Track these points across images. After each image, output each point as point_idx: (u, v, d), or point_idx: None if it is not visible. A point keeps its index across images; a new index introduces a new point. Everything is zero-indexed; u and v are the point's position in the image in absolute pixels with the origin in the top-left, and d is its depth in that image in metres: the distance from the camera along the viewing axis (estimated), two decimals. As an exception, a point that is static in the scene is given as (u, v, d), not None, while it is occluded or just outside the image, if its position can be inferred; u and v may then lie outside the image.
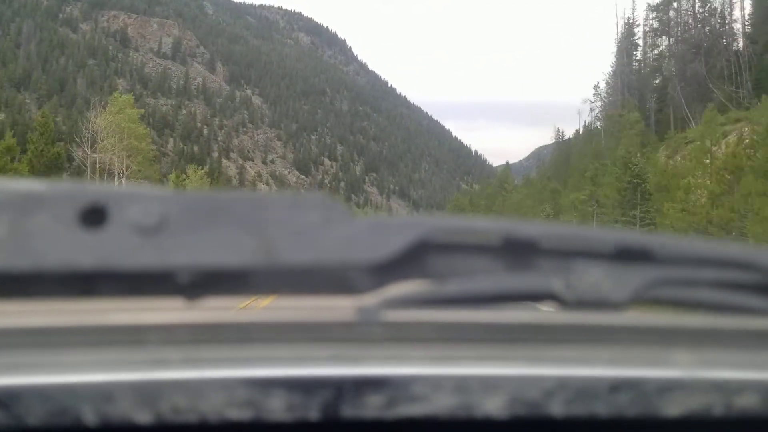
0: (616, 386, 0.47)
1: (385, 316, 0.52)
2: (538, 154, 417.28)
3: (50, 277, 0.45)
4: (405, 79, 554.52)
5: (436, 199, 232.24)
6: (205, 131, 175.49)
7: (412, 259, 0.49)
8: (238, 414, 0.44)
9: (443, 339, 0.51)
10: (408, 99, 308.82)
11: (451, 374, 0.46)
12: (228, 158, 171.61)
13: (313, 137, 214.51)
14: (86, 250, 0.44)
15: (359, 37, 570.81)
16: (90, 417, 0.43)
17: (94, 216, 0.45)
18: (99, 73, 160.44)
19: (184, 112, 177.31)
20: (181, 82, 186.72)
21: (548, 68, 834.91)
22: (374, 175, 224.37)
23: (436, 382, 0.46)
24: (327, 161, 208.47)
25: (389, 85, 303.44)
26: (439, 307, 0.52)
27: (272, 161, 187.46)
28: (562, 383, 0.46)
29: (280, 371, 0.46)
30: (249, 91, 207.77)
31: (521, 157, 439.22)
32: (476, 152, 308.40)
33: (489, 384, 0.46)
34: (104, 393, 0.43)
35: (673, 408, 0.47)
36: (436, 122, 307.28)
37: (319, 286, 0.49)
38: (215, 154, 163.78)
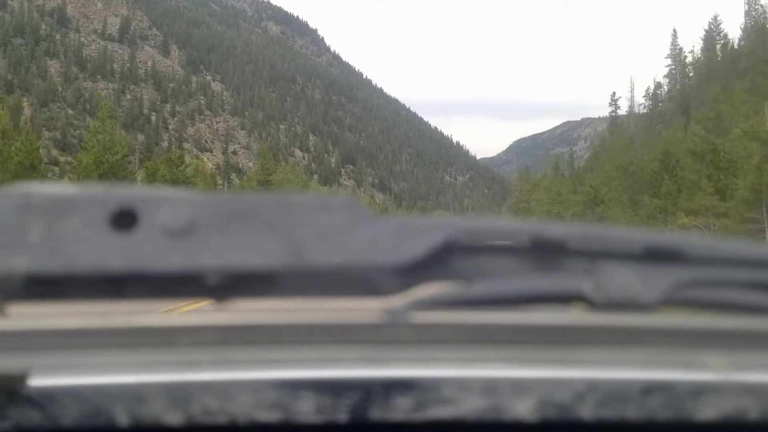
0: (648, 389, 0.45)
1: (413, 317, 0.50)
2: (516, 147, 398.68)
3: (82, 279, 0.45)
4: (380, 73, 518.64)
5: (420, 191, 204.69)
6: (153, 118, 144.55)
7: (439, 261, 0.48)
8: (267, 416, 0.43)
9: (471, 341, 0.49)
10: (384, 91, 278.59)
11: (479, 376, 0.45)
12: (181, 148, 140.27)
13: (281, 126, 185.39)
14: (117, 253, 0.44)
15: (332, 27, 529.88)
16: (122, 418, 0.43)
17: (124, 219, 0.45)
18: (26, 54, 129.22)
19: (128, 97, 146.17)
20: (127, 65, 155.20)
21: (522, 65, 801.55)
22: (351, 167, 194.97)
23: (464, 384, 0.44)
24: (298, 152, 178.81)
25: (364, 77, 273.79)
26: (466, 309, 0.51)
27: (234, 152, 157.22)
28: (593, 386, 0.45)
29: (308, 373, 0.45)
30: (209, 77, 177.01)
31: (500, 151, 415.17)
32: (458, 143, 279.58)
33: (518, 386, 0.44)
34: (136, 394, 0.43)
35: (707, 412, 0.44)
36: (415, 114, 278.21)
37: (347, 288, 0.49)
38: (164, 144, 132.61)
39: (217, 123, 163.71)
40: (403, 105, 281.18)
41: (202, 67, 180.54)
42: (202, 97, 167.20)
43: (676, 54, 62.31)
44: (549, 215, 39.04)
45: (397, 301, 0.50)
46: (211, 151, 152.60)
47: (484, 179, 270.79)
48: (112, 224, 0.45)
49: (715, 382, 0.45)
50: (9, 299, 0.47)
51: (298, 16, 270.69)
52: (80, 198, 0.46)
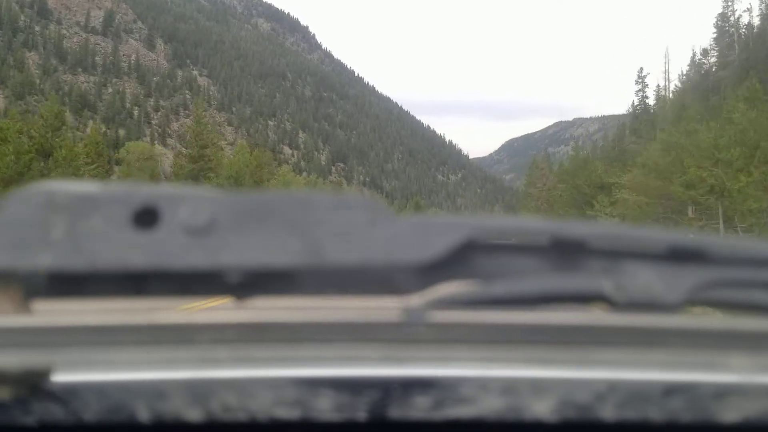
0: (670, 390, 0.44)
1: (432, 316, 0.50)
2: (507, 147, 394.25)
3: (104, 276, 0.45)
4: (372, 71, 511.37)
5: (411, 190, 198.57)
6: (136, 113, 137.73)
7: (458, 260, 0.48)
8: (286, 413, 0.43)
9: (490, 340, 0.49)
10: (376, 89, 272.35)
11: (499, 376, 0.44)
12: (164, 144, 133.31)
13: (270, 123, 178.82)
14: (139, 251, 0.44)
15: (323, 24, 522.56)
16: (144, 414, 0.43)
17: (146, 217, 0.45)
18: (2, 45, 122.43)
19: (110, 90, 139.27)
20: (110, 58, 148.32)
21: (514, 65, 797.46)
22: (342, 164, 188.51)
23: (483, 383, 0.44)
24: (287, 149, 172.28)
25: (356, 74, 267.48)
26: (486, 308, 0.50)
27: (221, 148, 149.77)
28: (614, 386, 0.44)
29: (327, 371, 0.45)
30: (196, 72, 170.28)
31: (491, 150, 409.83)
32: (450, 142, 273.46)
33: (538, 386, 0.44)
34: (157, 390, 0.43)
35: (730, 414, 0.43)
36: (407, 113, 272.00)
37: (366, 287, 0.49)
38: (146, 139, 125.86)
39: (203, 119, 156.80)
40: (396, 103, 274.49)
41: (188, 61, 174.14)
42: (187, 92, 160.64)
43: (726, 16, 55.02)
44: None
45: (416, 300, 0.50)
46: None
47: (477, 178, 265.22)
48: (134, 222, 0.45)
49: (738, 383, 0.45)
50: (33, 296, 0.47)
51: (289, 13, 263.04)
52: (103, 196, 0.46)
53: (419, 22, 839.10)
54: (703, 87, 50.55)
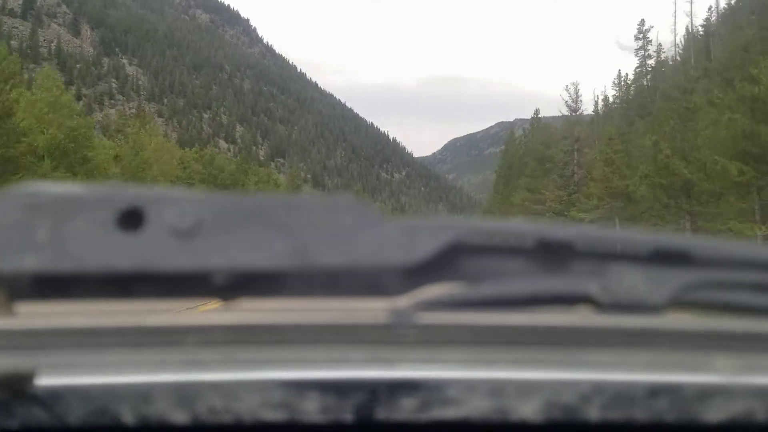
0: (655, 391, 0.44)
1: (419, 318, 0.50)
2: (451, 147, 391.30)
3: (89, 278, 0.44)
4: (314, 68, 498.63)
5: (354, 188, 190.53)
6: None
7: (445, 262, 0.47)
8: (272, 415, 0.43)
9: (477, 342, 0.49)
10: (319, 86, 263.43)
11: (485, 378, 0.44)
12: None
13: (205, 115, 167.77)
14: (124, 253, 0.43)
15: (265, 18, 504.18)
16: (128, 417, 0.42)
17: (131, 219, 0.44)
18: None
19: (26, 77, 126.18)
20: (26, 42, 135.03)
21: (457, 65, 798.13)
22: (281, 160, 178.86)
23: (470, 385, 0.44)
24: (223, 143, 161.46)
25: (299, 70, 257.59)
26: (473, 310, 0.50)
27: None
28: (599, 387, 0.44)
29: (314, 373, 0.45)
30: (125, 60, 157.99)
31: (435, 150, 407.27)
32: (395, 140, 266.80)
33: (524, 388, 0.44)
34: (142, 393, 0.43)
35: (714, 414, 0.44)
36: (351, 110, 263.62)
37: (353, 289, 0.48)
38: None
39: (130, 108, 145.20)
40: (339, 100, 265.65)
41: (117, 49, 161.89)
42: (113, 80, 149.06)
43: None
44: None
45: (403, 301, 0.50)
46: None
47: (421, 177, 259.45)
48: (120, 224, 0.44)
49: (722, 384, 0.45)
50: (17, 298, 0.46)
51: (229, 5, 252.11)
52: (87, 197, 0.45)
53: (364, 20, 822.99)
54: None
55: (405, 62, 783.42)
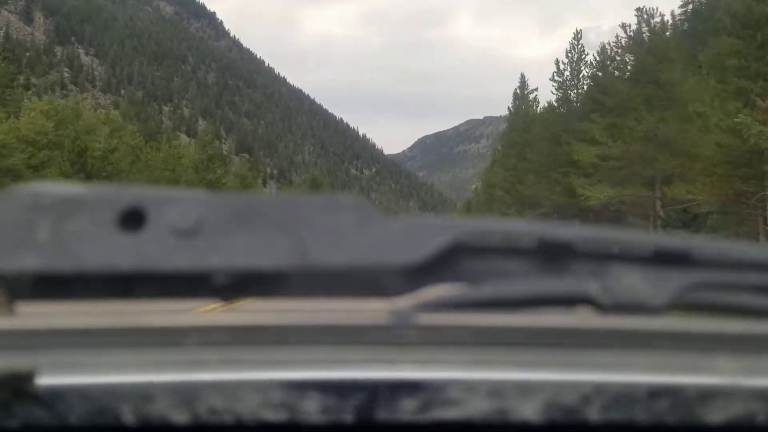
0: (655, 392, 0.44)
1: (420, 319, 0.50)
2: (420, 144, 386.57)
3: (90, 278, 0.44)
4: (283, 64, 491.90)
5: (324, 184, 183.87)
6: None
7: (446, 262, 0.47)
8: (273, 416, 0.42)
9: (478, 342, 0.49)
10: (288, 80, 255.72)
11: (486, 378, 0.44)
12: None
13: (165, 108, 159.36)
14: (125, 253, 0.43)
15: (231, 11, 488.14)
16: (129, 417, 0.42)
17: (132, 219, 0.44)
18: None
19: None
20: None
21: (427, 62, 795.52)
22: (247, 155, 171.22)
23: (470, 386, 0.43)
24: (184, 137, 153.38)
25: (267, 65, 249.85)
26: (473, 311, 0.50)
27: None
28: (599, 388, 0.44)
29: (315, 374, 0.44)
30: (81, 50, 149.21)
31: (405, 147, 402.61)
32: (365, 135, 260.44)
33: (524, 388, 0.43)
34: (143, 393, 0.43)
35: (715, 415, 0.44)
36: (320, 105, 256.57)
37: (353, 289, 0.48)
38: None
39: (83, 99, 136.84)
40: (307, 95, 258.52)
41: (73, 38, 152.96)
42: (66, 70, 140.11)
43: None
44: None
45: (404, 302, 0.50)
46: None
47: (392, 174, 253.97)
48: (121, 224, 0.44)
49: (723, 386, 0.45)
50: (18, 298, 0.46)
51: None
52: (88, 197, 0.45)
53: (332, 17, 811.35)
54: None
55: (377, 60, 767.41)
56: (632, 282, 0.49)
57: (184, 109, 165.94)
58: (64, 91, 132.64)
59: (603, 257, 0.50)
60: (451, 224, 0.49)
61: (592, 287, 0.49)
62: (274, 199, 0.47)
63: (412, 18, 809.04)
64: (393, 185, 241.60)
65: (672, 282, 0.49)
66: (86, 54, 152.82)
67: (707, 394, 0.44)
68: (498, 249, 0.50)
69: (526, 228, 0.51)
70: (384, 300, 0.49)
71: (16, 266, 0.43)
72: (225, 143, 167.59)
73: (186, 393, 0.43)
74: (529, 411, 0.43)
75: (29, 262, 0.43)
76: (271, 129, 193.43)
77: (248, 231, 0.45)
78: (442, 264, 0.47)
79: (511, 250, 0.50)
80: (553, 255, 0.50)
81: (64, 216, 0.44)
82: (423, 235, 0.46)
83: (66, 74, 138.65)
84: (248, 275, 0.45)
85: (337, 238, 0.45)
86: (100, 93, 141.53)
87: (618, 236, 0.52)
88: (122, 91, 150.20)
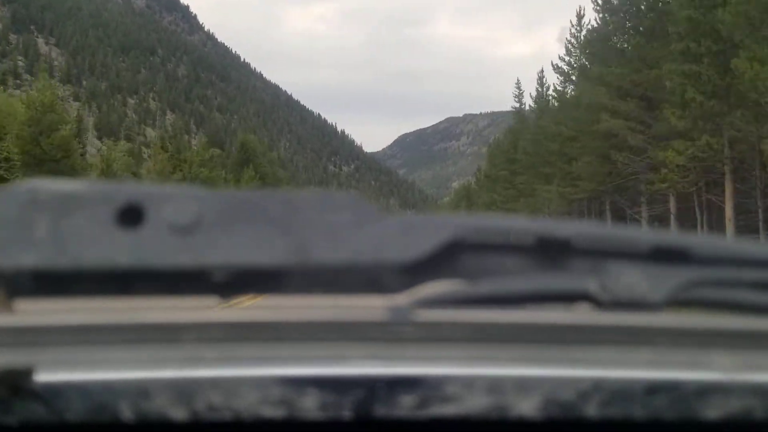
0: (653, 388, 0.44)
1: (418, 315, 0.49)
2: (401, 142, 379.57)
3: (89, 275, 0.44)
4: (259, 59, 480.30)
5: (300, 180, 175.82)
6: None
7: (444, 259, 0.47)
8: (271, 412, 0.42)
9: (476, 339, 0.48)
10: (264, 76, 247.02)
11: (484, 375, 0.44)
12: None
13: (131, 100, 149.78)
14: (123, 249, 0.43)
15: (206, 7, 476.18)
16: (127, 413, 0.42)
17: (131, 215, 0.44)
18: None
19: None
20: None
21: (406, 59, 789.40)
22: (218, 150, 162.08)
23: (469, 382, 0.43)
24: (150, 131, 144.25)
25: (242, 60, 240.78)
26: (472, 307, 0.50)
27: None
28: (598, 385, 0.43)
29: (313, 370, 0.44)
30: (41, 39, 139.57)
31: (385, 145, 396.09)
32: (343, 131, 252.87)
33: (523, 385, 0.43)
34: (141, 390, 0.42)
35: (712, 411, 0.43)
36: (297, 101, 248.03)
37: (352, 286, 0.48)
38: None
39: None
40: (284, 91, 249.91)
41: (33, 27, 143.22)
42: (20, 58, 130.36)
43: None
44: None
45: (402, 299, 0.50)
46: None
47: (371, 171, 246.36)
48: (119, 220, 0.44)
49: (721, 382, 0.45)
50: (16, 295, 0.46)
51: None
52: (87, 194, 0.45)
53: (312, 15, 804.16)
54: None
55: (358, 58, 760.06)
56: (631, 279, 0.49)
57: (151, 101, 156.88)
58: (18, 81, 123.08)
59: (602, 254, 0.50)
60: (449, 221, 0.48)
61: (591, 284, 0.49)
62: (272, 197, 0.47)
63: (393, 17, 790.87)
64: (373, 182, 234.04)
65: (670, 279, 0.49)
66: (46, 43, 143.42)
67: (705, 390, 0.44)
68: (496, 245, 0.49)
69: (526, 225, 0.50)
70: (382, 297, 0.48)
71: (14, 263, 0.43)
72: (195, 137, 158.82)
73: (184, 390, 0.42)
74: (527, 407, 0.43)
75: (27, 259, 0.43)
76: (246, 124, 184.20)
77: (246, 228, 0.45)
78: (440, 261, 0.47)
79: (509, 246, 0.50)
80: (551, 252, 0.50)
81: (63, 213, 0.44)
82: (421, 232, 0.46)
83: (20, 62, 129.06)
84: (246, 272, 0.45)
85: (335, 235, 0.45)
86: (58, 83, 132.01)
87: (616, 233, 0.52)
88: (83, 82, 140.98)
